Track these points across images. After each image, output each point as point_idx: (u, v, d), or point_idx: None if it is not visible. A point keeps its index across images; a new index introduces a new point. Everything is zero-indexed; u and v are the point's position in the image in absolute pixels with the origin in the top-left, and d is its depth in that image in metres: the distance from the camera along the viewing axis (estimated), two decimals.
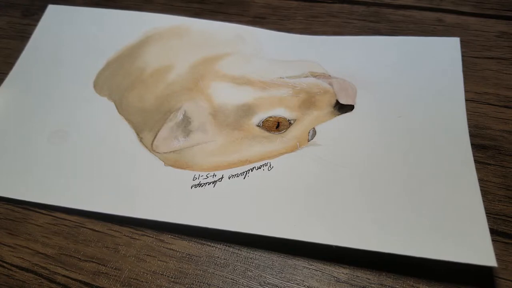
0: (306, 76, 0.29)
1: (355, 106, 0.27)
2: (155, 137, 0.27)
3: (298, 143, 0.26)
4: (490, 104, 0.27)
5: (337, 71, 0.30)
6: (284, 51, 0.32)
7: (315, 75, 0.29)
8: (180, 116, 0.28)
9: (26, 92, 0.31)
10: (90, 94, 0.31)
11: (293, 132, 0.27)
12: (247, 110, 0.28)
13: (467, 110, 0.27)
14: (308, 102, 0.28)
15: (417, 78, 0.29)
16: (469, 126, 0.26)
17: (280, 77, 0.29)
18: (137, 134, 0.28)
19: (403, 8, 0.34)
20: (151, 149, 0.27)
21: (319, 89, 0.28)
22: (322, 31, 0.33)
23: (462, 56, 0.30)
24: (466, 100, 0.27)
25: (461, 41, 0.31)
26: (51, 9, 0.37)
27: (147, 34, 0.34)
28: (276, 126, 0.27)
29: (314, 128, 0.27)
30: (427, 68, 0.29)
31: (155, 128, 0.28)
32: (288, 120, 0.27)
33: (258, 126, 0.27)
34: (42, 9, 0.37)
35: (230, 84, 0.29)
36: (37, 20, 0.36)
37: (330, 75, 0.29)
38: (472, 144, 0.25)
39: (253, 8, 0.36)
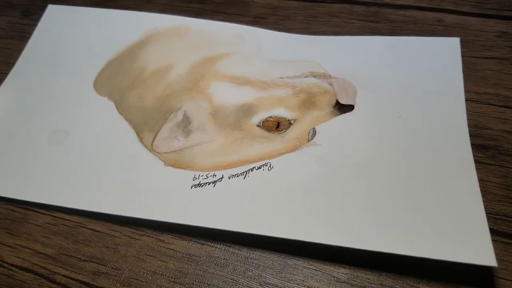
0: (306, 76, 0.29)
1: (355, 106, 0.27)
2: (155, 137, 0.27)
3: (298, 143, 0.26)
4: (490, 104, 0.27)
5: (337, 71, 0.30)
6: (284, 51, 0.31)
7: (315, 75, 0.29)
8: (180, 116, 0.28)
9: (26, 92, 0.31)
10: (90, 94, 0.31)
11: (293, 132, 0.27)
12: (247, 110, 0.28)
13: (467, 110, 0.27)
14: (308, 102, 0.28)
15: (417, 78, 0.29)
16: (469, 126, 0.26)
17: (280, 77, 0.29)
18: (137, 134, 0.28)
19: (403, 8, 0.34)
20: (151, 149, 0.27)
21: (319, 89, 0.28)
22: (322, 31, 0.33)
23: (462, 56, 0.30)
24: (466, 100, 0.27)
25: (461, 41, 0.31)
26: (51, 9, 0.37)
27: (147, 34, 0.34)
28: (276, 126, 0.27)
29: (314, 128, 0.27)
30: (427, 68, 0.29)
31: (155, 128, 0.28)
32: (288, 120, 0.27)
33: (258, 126, 0.27)
34: (42, 9, 0.37)
35: (230, 84, 0.29)
36: (37, 20, 0.36)
37: (330, 75, 0.29)
38: (472, 144, 0.25)
39: (253, 8, 0.36)
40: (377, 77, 0.29)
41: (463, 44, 0.31)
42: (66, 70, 0.33)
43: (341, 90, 0.28)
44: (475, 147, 0.25)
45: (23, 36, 0.37)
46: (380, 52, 0.30)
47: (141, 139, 0.28)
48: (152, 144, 0.27)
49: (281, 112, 0.27)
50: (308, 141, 0.26)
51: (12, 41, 0.37)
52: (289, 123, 0.27)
